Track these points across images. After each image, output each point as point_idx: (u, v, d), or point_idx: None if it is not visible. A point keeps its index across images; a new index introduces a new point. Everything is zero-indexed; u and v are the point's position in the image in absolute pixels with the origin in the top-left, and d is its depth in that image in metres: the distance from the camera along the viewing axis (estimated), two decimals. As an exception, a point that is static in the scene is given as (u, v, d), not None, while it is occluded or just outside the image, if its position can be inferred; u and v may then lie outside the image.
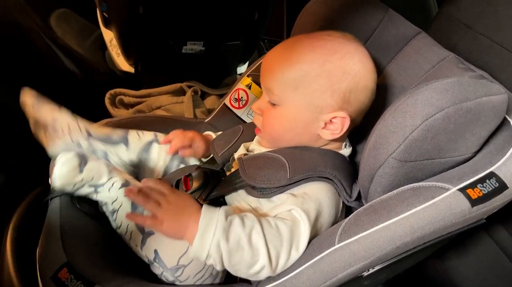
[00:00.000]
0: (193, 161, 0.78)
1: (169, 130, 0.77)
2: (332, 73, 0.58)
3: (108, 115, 1.28)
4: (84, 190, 0.65)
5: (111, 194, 0.64)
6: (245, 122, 0.88)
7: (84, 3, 1.57)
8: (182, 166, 0.77)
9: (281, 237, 0.52)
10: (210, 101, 1.30)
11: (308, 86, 0.58)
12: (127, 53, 1.22)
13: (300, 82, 0.58)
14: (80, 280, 0.55)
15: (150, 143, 0.75)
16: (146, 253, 0.60)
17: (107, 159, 0.71)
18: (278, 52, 0.62)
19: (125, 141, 0.73)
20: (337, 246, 0.49)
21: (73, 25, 1.44)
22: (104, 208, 0.65)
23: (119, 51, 1.26)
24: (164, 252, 0.59)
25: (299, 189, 0.58)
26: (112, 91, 1.30)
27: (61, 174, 0.63)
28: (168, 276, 0.59)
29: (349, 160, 0.66)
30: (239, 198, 0.63)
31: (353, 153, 0.68)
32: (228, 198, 0.64)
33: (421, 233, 0.47)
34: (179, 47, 1.21)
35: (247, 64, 1.46)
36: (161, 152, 0.75)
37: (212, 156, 0.73)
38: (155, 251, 0.59)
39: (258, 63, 0.88)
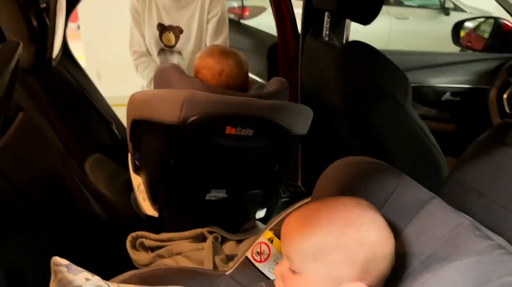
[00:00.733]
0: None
1: (192, 283, 0.78)
2: (349, 245, 0.61)
3: (128, 257, 1.30)
4: None
5: None
6: (267, 277, 0.88)
7: (118, 148, 1.71)
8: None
9: None
10: (229, 247, 1.31)
11: (326, 258, 0.61)
12: (154, 199, 1.29)
13: (318, 254, 0.61)
14: None
15: None
16: None
17: None
18: (298, 222, 0.66)
19: None
20: None
21: (104, 169, 1.55)
22: None
23: (145, 196, 1.33)
24: None
25: None
26: (134, 234, 1.33)
27: None
28: None
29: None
30: None
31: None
32: None
33: None
34: (203, 194, 1.28)
35: (265, 209, 1.51)
36: None
37: None
38: None
39: (280, 218, 0.92)
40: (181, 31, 1.67)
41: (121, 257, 1.30)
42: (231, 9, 3.88)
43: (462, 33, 2.07)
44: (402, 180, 0.76)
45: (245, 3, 3.76)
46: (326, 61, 1.38)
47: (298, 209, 0.68)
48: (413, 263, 0.68)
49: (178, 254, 1.24)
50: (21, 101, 1.05)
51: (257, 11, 4.30)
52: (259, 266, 0.90)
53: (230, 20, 2.37)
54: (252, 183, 1.31)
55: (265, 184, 1.33)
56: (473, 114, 1.84)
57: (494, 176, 0.74)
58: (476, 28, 2.06)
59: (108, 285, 0.70)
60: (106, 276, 0.72)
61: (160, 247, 1.28)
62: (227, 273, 0.94)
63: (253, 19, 4.10)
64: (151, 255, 1.27)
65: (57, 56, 1.22)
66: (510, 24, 1.85)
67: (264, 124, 1.15)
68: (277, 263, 0.83)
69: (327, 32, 1.52)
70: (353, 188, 0.75)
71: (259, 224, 1.41)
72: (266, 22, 3.40)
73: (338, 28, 1.64)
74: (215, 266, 1.18)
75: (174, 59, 1.74)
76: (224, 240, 1.31)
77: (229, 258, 1.24)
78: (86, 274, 0.65)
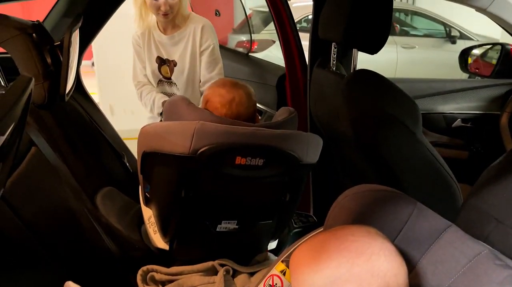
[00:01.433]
0: None
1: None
2: (361, 277, 0.59)
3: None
4: None
5: None
6: (279, 311, 0.85)
7: (130, 181, 1.72)
8: None
9: None
10: (241, 280, 1.28)
11: None
12: (164, 231, 1.28)
13: None
14: None
15: None
16: None
17: None
18: (306, 255, 0.64)
19: None
20: None
21: (116, 202, 1.55)
22: None
23: (156, 228, 1.32)
24: None
25: None
26: (144, 268, 1.31)
27: None
28: None
29: None
30: None
31: None
32: None
33: None
34: (214, 225, 1.27)
35: (277, 240, 1.48)
36: None
37: None
38: None
39: (292, 249, 0.90)
40: (175, 64, 1.79)
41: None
42: (240, 43, 3.97)
43: (470, 60, 2.08)
44: (416, 208, 0.75)
45: (254, 37, 3.85)
46: (334, 90, 1.39)
47: (306, 241, 0.67)
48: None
49: (189, 288, 1.22)
50: (34, 135, 1.07)
51: (266, 44, 4.39)
52: (272, 299, 0.88)
53: (239, 53, 2.42)
54: (263, 214, 1.29)
55: (276, 214, 1.31)
56: (485, 140, 1.82)
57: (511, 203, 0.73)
58: (484, 54, 2.06)
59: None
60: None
61: (171, 281, 1.26)
62: (239, 307, 0.91)
63: (262, 52, 4.18)
64: (161, 289, 1.25)
65: (70, 91, 1.25)
66: (517, 50, 1.85)
67: (274, 154, 1.14)
68: (290, 296, 0.80)
69: (334, 62, 1.54)
70: (366, 217, 0.74)
71: (271, 255, 1.39)
72: (274, 55, 3.47)
73: (345, 58, 1.66)
74: (227, 303, 1.15)
75: (172, 89, 1.85)
76: (235, 273, 1.29)
77: (241, 292, 1.21)
78: None
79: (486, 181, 0.78)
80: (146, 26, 1.77)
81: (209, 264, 1.26)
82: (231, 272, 1.25)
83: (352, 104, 1.31)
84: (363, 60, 1.45)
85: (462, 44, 4.87)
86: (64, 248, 1.01)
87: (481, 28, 5.28)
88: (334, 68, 1.54)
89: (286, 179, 1.24)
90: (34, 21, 1.18)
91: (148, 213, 1.34)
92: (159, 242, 1.32)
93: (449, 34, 5.41)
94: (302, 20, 4.99)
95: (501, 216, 0.73)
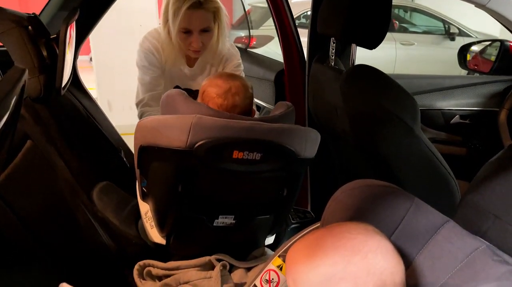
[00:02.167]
0: None
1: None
2: (357, 275, 0.58)
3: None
4: None
5: None
6: (276, 306, 0.85)
7: (127, 176, 1.71)
8: None
9: None
10: (237, 275, 1.28)
11: None
12: (161, 225, 1.27)
13: (326, 285, 0.59)
14: None
15: None
16: None
17: None
18: (302, 251, 0.64)
19: None
20: None
21: (112, 197, 1.54)
22: None
23: (153, 223, 1.32)
24: None
25: None
26: (141, 263, 1.31)
27: None
28: None
29: None
30: None
31: None
32: None
33: None
34: (211, 220, 1.26)
35: (274, 236, 1.48)
36: None
37: None
38: None
39: (289, 244, 0.89)
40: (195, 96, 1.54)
41: (128, 286, 1.28)
42: (238, 39, 3.96)
43: (469, 57, 2.07)
44: (414, 204, 0.74)
45: (253, 33, 3.84)
46: (333, 85, 1.38)
47: (302, 238, 0.66)
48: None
49: (186, 283, 1.22)
50: (29, 129, 1.06)
51: (264, 40, 4.38)
52: (268, 294, 0.87)
53: (238, 49, 2.40)
54: (260, 209, 1.29)
55: (274, 209, 1.30)
56: (483, 136, 1.81)
57: (510, 198, 0.72)
58: (483, 51, 2.06)
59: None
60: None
61: (168, 276, 1.26)
62: (235, 302, 0.91)
63: (261, 48, 4.17)
64: (158, 284, 1.25)
65: (66, 85, 1.23)
66: (516, 47, 1.85)
67: (272, 148, 1.14)
68: (287, 291, 0.80)
69: (333, 57, 1.53)
70: (363, 212, 0.73)
71: (268, 250, 1.38)
72: (273, 51, 3.46)
73: (344, 53, 1.65)
74: (224, 297, 1.15)
75: None
76: (232, 268, 1.29)
77: (238, 286, 1.21)
78: None
79: (484, 177, 0.77)
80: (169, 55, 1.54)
81: (206, 259, 1.25)
82: (228, 267, 1.25)
83: (350, 100, 1.31)
84: (361, 57, 1.45)
85: (461, 41, 4.87)
86: (59, 243, 1.00)
87: (479, 25, 5.29)
88: (332, 64, 1.54)
89: (284, 174, 1.23)
90: (30, 14, 1.17)
91: (145, 208, 1.33)
92: (156, 237, 1.31)
93: (448, 31, 5.41)
94: (301, 16, 4.98)
95: (499, 212, 0.73)
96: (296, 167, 1.23)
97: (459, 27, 5.39)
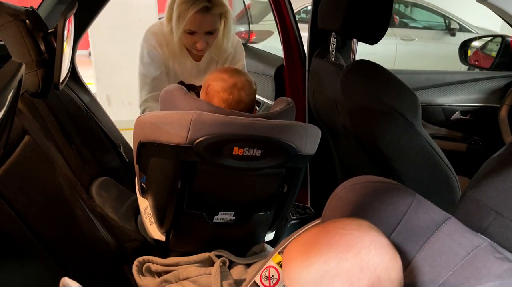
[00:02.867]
0: None
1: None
2: (350, 271, 0.58)
3: (134, 283, 1.27)
4: None
5: None
6: (276, 302, 0.85)
7: (126, 172, 1.70)
8: None
9: None
10: (237, 271, 1.28)
11: (328, 286, 0.58)
12: (161, 222, 1.27)
13: (320, 282, 0.59)
14: None
15: None
16: None
17: None
18: (297, 250, 0.63)
19: None
20: None
21: (111, 193, 1.53)
22: None
23: (152, 219, 1.31)
24: None
25: None
26: (140, 259, 1.31)
27: None
28: None
29: None
30: None
31: None
32: None
33: None
34: (211, 216, 1.26)
35: (274, 232, 1.48)
36: None
37: None
38: None
39: (289, 241, 0.89)
40: (199, 91, 1.51)
41: (127, 282, 1.28)
42: (238, 34, 3.94)
43: (469, 52, 2.06)
44: (415, 200, 0.74)
45: (252, 28, 3.82)
46: (333, 80, 1.37)
47: (299, 236, 0.66)
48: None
49: (185, 279, 1.21)
50: (27, 124, 1.05)
51: (264, 35, 4.36)
52: (268, 291, 0.87)
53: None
54: (260, 205, 1.28)
55: (274, 206, 1.30)
56: (484, 132, 1.81)
57: (511, 194, 0.72)
58: (483, 46, 2.05)
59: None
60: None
61: (167, 272, 1.25)
62: (235, 298, 0.91)
63: (261, 43, 4.15)
64: (157, 280, 1.24)
65: (64, 79, 1.22)
66: (517, 42, 1.84)
67: (272, 144, 1.13)
68: (287, 287, 0.79)
69: (334, 52, 1.52)
70: (364, 208, 0.73)
71: (268, 247, 1.38)
72: (273, 46, 3.44)
73: (344, 48, 1.64)
74: (224, 294, 1.15)
75: None
76: (232, 264, 1.28)
77: (238, 283, 1.21)
78: None
79: (486, 173, 0.77)
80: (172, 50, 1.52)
81: (205, 255, 1.25)
82: (227, 263, 1.24)
83: (350, 95, 1.30)
84: (361, 52, 1.44)
85: (461, 37, 4.86)
86: (58, 239, 1.00)
87: (480, 20, 5.26)
88: (333, 59, 1.53)
89: (284, 170, 1.23)
90: (28, 8, 1.16)
91: (144, 204, 1.33)
92: (155, 233, 1.31)
93: (449, 27, 5.39)
94: (301, 11, 4.96)
95: (500, 209, 0.73)
96: (296, 164, 1.23)
97: (460, 22, 5.37)
